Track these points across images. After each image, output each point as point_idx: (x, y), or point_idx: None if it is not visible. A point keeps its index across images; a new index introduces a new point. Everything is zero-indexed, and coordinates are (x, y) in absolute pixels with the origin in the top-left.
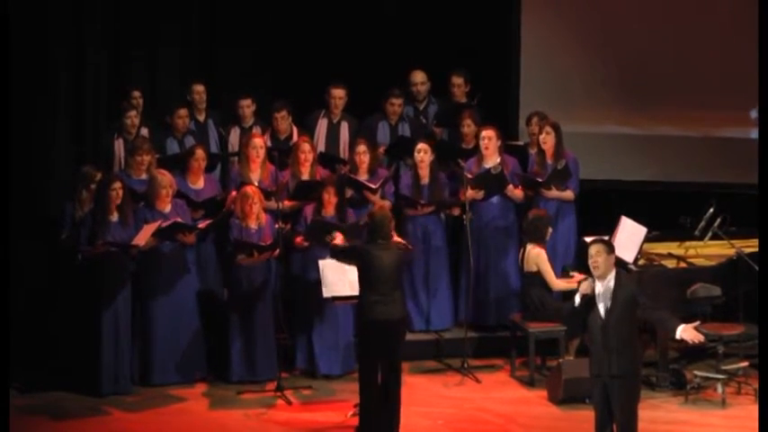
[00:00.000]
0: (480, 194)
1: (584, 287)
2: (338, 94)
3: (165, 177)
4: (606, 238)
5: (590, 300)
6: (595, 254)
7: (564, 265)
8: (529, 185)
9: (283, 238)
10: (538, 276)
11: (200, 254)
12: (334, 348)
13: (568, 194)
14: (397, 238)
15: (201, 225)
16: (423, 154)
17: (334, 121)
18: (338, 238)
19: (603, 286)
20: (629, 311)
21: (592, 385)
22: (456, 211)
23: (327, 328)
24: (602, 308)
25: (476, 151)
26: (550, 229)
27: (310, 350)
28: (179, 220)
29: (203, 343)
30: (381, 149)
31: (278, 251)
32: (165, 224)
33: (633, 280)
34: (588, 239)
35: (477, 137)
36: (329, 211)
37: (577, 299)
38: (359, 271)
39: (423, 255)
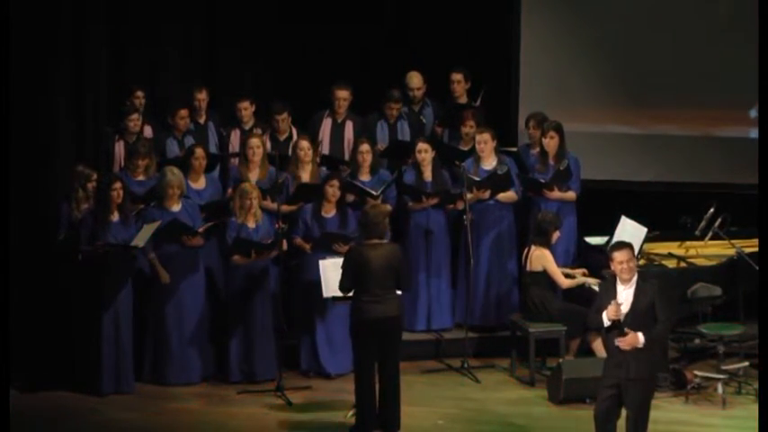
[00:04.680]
0: (487, 194)
1: (616, 312)
2: (342, 95)
3: (176, 177)
4: (627, 240)
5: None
6: (627, 260)
7: (565, 264)
8: (531, 187)
9: (283, 239)
10: (540, 276)
11: (202, 252)
12: (336, 348)
13: (571, 195)
14: None
15: (201, 229)
16: (424, 153)
17: (339, 120)
18: (345, 250)
19: (626, 290)
20: (648, 318)
21: (602, 382)
22: (460, 205)
23: (329, 328)
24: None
25: (473, 152)
26: (558, 233)
27: (313, 350)
28: (178, 218)
29: (205, 343)
30: (379, 146)
31: (276, 252)
32: (164, 223)
33: (654, 287)
34: (589, 239)
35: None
36: (330, 209)
37: (606, 321)
38: (353, 272)
39: (425, 252)
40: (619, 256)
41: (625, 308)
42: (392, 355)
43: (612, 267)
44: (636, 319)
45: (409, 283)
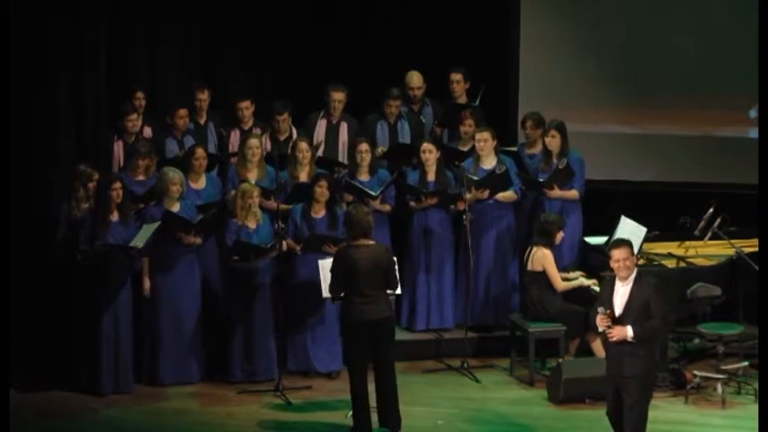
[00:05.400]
0: (486, 194)
1: (603, 322)
2: (338, 97)
3: (177, 175)
4: (626, 238)
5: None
6: (625, 258)
7: (566, 265)
8: (530, 186)
9: (281, 239)
10: (540, 276)
11: (201, 253)
12: (332, 347)
13: (573, 194)
14: None
15: (196, 221)
16: (428, 154)
17: (334, 122)
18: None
19: (623, 287)
20: (643, 314)
21: (605, 384)
22: (461, 206)
23: (326, 327)
24: (617, 307)
25: (473, 153)
26: (561, 234)
27: (309, 350)
28: (173, 213)
29: (204, 343)
30: (380, 150)
31: (276, 253)
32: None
33: (651, 285)
34: (589, 240)
35: (474, 138)
36: (319, 210)
37: (598, 327)
38: (342, 274)
39: (426, 251)
40: (617, 254)
41: (621, 304)
42: (385, 356)
43: (611, 265)
44: (630, 315)
45: (396, 284)
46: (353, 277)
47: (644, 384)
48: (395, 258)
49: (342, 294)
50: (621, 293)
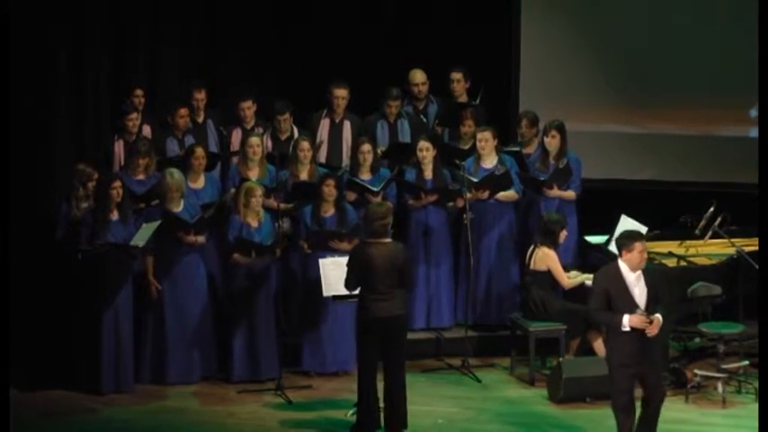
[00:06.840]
0: (486, 194)
1: (643, 322)
2: (340, 93)
3: (174, 180)
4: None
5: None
6: (644, 249)
7: (565, 264)
8: (530, 185)
9: (284, 236)
10: (542, 276)
11: (204, 253)
12: (335, 346)
13: (570, 194)
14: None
15: (193, 221)
16: (425, 152)
17: (337, 120)
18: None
19: (635, 279)
20: (657, 301)
21: (618, 374)
22: (459, 203)
23: (329, 326)
24: (639, 298)
25: (473, 152)
26: (565, 233)
27: (312, 349)
28: (173, 213)
29: (205, 342)
30: (379, 150)
31: (277, 252)
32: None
33: (657, 274)
34: (588, 238)
35: (474, 137)
36: (328, 209)
37: (626, 327)
38: (358, 270)
39: (424, 250)
40: (640, 245)
41: (642, 295)
42: (397, 353)
43: (630, 257)
44: (653, 304)
45: (412, 284)
46: (369, 274)
47: (661, 367)
48: (411, 257)
49: (353, 292)
50: (639, 285)
